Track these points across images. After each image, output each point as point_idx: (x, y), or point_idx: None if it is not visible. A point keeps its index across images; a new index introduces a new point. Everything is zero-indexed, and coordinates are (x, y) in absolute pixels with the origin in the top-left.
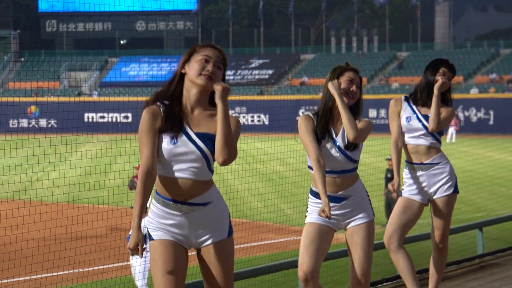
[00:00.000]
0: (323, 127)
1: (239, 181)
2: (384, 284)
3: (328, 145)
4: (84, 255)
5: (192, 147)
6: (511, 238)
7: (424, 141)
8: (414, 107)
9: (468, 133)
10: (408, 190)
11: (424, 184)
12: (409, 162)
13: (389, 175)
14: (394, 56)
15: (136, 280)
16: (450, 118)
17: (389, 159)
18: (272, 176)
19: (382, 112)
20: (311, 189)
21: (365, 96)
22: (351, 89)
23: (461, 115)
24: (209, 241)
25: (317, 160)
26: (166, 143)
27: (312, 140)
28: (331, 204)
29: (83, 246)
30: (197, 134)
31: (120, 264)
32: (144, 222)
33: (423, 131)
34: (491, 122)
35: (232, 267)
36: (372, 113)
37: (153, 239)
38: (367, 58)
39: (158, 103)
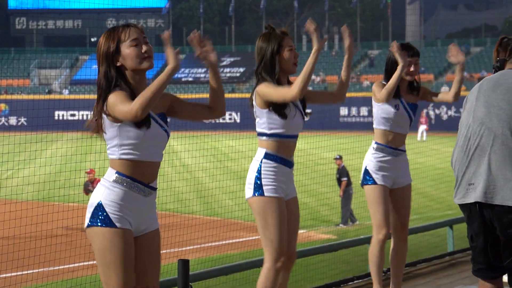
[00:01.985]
0: None
1: (210, 179)
2: (355, 281)
3: (293, 110)
4: (54, 254)
5: (159, 128)
6: None
7: (406, 130)
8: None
9: (439, 131)
10: (379, 177)
11: (392, 170)
12: (385, 145)
13: (337, 176)
14: (365, 54)
15: None
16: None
17: (337, 159)
18: (243, 174)
19: (353, 110)
20: (274, 156)
21: None
22: (294, 56)
23: (431, 113)
24: (151, 228)
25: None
26: (140, 128)
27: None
28: (287, 170)
29: (53, 244)
30: (158, 115)
31: (91, 262)
32: (96, 199)
33: (408, 120)
34: (462, 118)
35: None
36: (344, 111)
37: (114, 226)
38: (338, 56)
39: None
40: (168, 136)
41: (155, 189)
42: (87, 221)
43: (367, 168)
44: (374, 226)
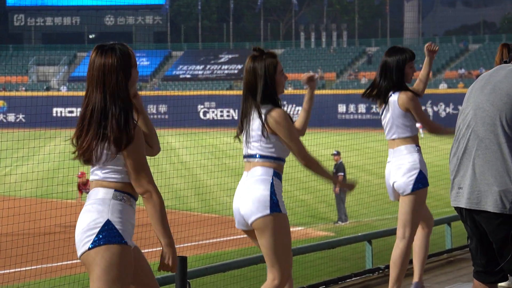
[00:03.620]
0: None
1: (208, 176)
2: (353, 279)
3: None
4: (52, 250)
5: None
6: None
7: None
8: None
9: None
10: (424, 177)
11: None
12: (418, 146)
13: (334, 171)
14: (363, 51)
15: None
16: None
17: (335, 155)
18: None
19: (351, 107)
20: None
21: (334, 91)
22: (286, 80)
23: (430, 110)
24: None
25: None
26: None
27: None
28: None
29: (51, 241)
30: None
31: None
32: (101, 219)
33: None
34: (457, 119)
35: None
36: (342, 108)
37: (126, 243)
38: (336, 53)
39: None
40: None
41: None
42: (89, 244)
43: (421, 170)
44: (421, 222)
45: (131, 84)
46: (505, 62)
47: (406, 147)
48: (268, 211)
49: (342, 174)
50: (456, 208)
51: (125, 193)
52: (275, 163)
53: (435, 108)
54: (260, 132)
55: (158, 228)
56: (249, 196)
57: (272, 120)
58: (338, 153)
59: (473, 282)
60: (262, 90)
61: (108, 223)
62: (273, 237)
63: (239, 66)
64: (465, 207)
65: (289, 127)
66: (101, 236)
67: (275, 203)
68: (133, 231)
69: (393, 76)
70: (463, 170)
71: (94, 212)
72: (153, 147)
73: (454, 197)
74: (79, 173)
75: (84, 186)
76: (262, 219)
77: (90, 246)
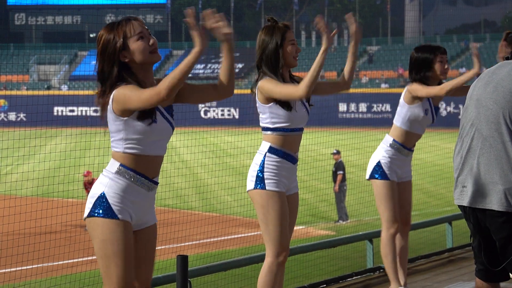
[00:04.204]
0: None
1: (209, 175)
2: (354, 278)
3: (297, 103)
4: (53, 249)
5: (165, 122)
6: None
7: (423, 132)
8: (430, 99)
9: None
10: (391, 173)
11: (400, 167)
12: (402, 145)
13: (333, 169)
14: (364, 50)
15: None
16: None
17: (334, 153)
18: (242, 170)
19: (352, 106)
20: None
21: None
22: (297, 51)
23: None
24: (149, 223)
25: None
26: (146, 122)
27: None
28: (289, 165)
29: (52, 240)
30: (165, 109)
31: (90, 258)
32: (99, 190)
33: (430, 124)
34: (460, 116)
35: None
36: (342, 107)
37: (116, 218)
38: (337, 52)
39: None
40: (173, 129)
41: (157, 183)
42: (87, 211)
43: (380, 162)
44: (385, 221)
45: (131, 53)
46: (507, 59)
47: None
48: (252, 186)
49: (342, 172)
50: (460, 207)
51: (130, 169)
52: (274, 134)
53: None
54: (256, 105)
55: (188, 60)
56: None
57: (260, 88)
58: (338, 152)
59: (475, 280)
60: (264, 61)
61: (102, 197)
62: (259, 212)
63: (240, 65)
64: (469, 206)
65: (272, 85)
66: (94, 209)
67: (260, 178)
68: (137, 210)
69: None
70: (467, 168)
71: (97, 182)
72: (224, 88)
73: (457, 196)
74: (85, 172)
75: (90, 185)
76: (249, 192)
77: (86, 215)
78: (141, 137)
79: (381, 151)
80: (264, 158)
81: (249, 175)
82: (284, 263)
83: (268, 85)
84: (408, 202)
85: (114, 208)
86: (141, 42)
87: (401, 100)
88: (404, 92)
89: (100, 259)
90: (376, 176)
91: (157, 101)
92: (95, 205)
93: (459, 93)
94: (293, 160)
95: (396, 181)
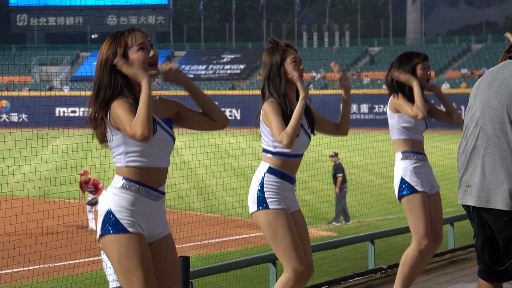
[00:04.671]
0: (286, 113)
1: (210, 176)
2: (356, 279)
3: (302, 130)
4: (55, 250)
5: (164, 133)
6: None
7: (423, 137)
8: None
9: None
10: (418, 183)
11: (425, 174)
12: (411, 152)
13: (333, 172)
14: (365, 51)
15: (107, 275)
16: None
17: (333, 156)
18: (243, 171)
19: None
20: (277, 171)
21: (336, 91)
22: (301, 68)
23: None
24: (164, 233)
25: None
26: None
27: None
28: (289, 185)
29: (54, 241)
30: (163, 121)
31: (92, 259)
32: (105, 207)
33: (425, 128)
34: (462, 117)
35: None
36: None
37: (126, 232)
38: (338, 53)
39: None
40: (174, 141)
41: (164, 193)
42: (98, 231)
43: (403, 177)
44: (416, 235)
45: (130, 63)
46: (510, 58)
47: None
48: (255, 208)
49: (341, 175)
50: (464, 206)
51: (135, 182)
52: (273, 157)
53: (438, 108)
54: (260, 125)
55: (144, 98)
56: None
57: (263, 112)
58: (336, 154)
59: (478, 281)
60: (267, 82)
61: (109, 213)
62: (266, 233)
63: (242, 66)
64: (473, 205)
65: (273, 116)
66: (104, 227)
67: (261, 199)
68: (147, 221)
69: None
70: (472, 168)
71: (103, 200)
72: (216, 120)
73: (461, 195)
74: (82, 171)
75: (86, 185)
76: (253, 215)
77: (99, 236)
78: (141, 149)
79: (398, 167)
80: (263, 178)
81: (249, 196)
82: (307, 279)
83: (270, 113)
84: (439, 214)
85: (123, 222)
86: (141, 53)
87: (388, 111)
88: (389, 103)
89: (121, 276)
90: (403, 193)
91: (142, 141)
92: (104, 223)
93: (436, 117)
94: (292, 180)
95: (428, 192)
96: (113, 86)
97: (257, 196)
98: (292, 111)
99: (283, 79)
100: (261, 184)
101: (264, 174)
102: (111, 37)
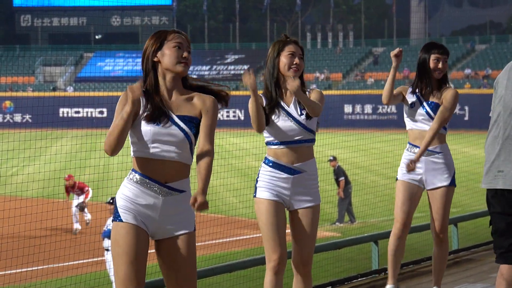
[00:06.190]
0: (270, 103)
1: (214, 176)
2: (360, 279)
3: (281, 118)
4: (58, 250)
5: (175, 129)
6: (486, 234)
7: (427, 128)
8: (418, 93)
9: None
10: (404, 172)
11: (420, 168)
12: (412, 144)
13: (334, 177)
14: (369, 52)
15: (110, 276)
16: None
17: (331, 160)
18: (247, 172)
19: (358, 108)
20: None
21: (340, 92)
22: (294, 62)
23: None
24: (178, 232)
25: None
26: (150, 125)
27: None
28: (284, 176)
29: (57, 241)
30: (179, 117)
31: (95, 259)
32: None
33: (427, 117)
34: (466, 118)
35: (196, 262)
36: (348, 108)
37: (121, 220)
38: (342, 54)
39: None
40: (188, 138)
41: (176, 190)
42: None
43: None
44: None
45: (162, 55)
46: None
47: None
48: (254, 196)
49: (343, 178)
50: (489, 191)
51: (140, 174)
52: (267, 148)
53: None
54: None
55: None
56: None
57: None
58: (335, 158)
59: (499, 268)
60: (267, 76)
61: (115, 201)
62: (258, 219)
63: (245, 67)
64: (508, 188)
65: (253, 104)
66: (113, 215)
67: (255, 188)
68: (151, 215)
69: None
70: (505, 154)
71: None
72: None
73: (490, 180)
74: (66, 176)
75: (72, 189)
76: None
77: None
78: (144, 139)
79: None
80: (260, 168)
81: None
82: (278, 272)
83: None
84: (437, 210)
85: (120, 210)
86: (174, 49)
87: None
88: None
89: (112, 259)
90: (397, 177)
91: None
92: (114, 212)
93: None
94: (288, 170)
95: (418, 185)
96: (146, 72)
97: (255, 185)
98: (277, 104)
99: (275, 70)
100: (258, 173)
101: (262, 164)
102: (156, 31)
